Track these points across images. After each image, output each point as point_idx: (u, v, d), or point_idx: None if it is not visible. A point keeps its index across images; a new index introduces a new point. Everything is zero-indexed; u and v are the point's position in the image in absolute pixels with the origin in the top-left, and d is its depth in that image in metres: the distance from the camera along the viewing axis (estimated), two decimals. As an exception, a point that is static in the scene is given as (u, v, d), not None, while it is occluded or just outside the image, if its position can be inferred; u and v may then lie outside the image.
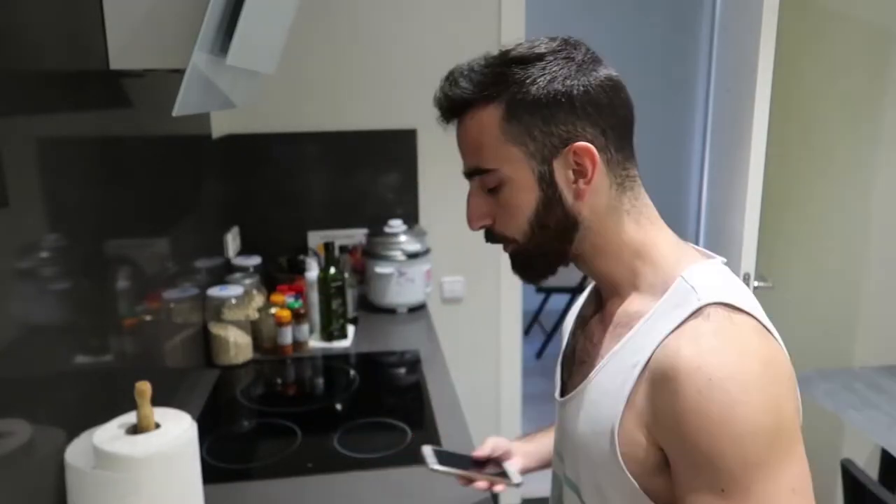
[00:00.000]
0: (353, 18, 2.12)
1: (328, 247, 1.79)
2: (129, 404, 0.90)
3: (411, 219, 2.22)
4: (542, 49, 0.74)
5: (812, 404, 1.84)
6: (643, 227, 0.76)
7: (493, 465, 1.02)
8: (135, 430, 0.89)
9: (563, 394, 0.84)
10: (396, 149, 2.22)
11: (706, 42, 3.81)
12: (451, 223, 2.25)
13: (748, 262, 1.93)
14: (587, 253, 0.78)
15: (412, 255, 2.02)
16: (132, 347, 1.19)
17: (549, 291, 3.82)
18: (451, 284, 2.31)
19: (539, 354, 3.85)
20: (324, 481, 1.19)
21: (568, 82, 0.72)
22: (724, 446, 0.62)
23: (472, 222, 0.80)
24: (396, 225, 2.05)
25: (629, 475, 0.70)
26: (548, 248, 0.77)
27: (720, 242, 2.21)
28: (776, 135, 1.99)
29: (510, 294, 2.35)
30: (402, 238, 2.03)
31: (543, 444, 1.07)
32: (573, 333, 0.89)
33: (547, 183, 0.74)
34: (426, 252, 2.06)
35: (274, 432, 1.38)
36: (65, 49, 0.97)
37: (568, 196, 0.74)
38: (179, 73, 0.98)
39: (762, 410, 0.63)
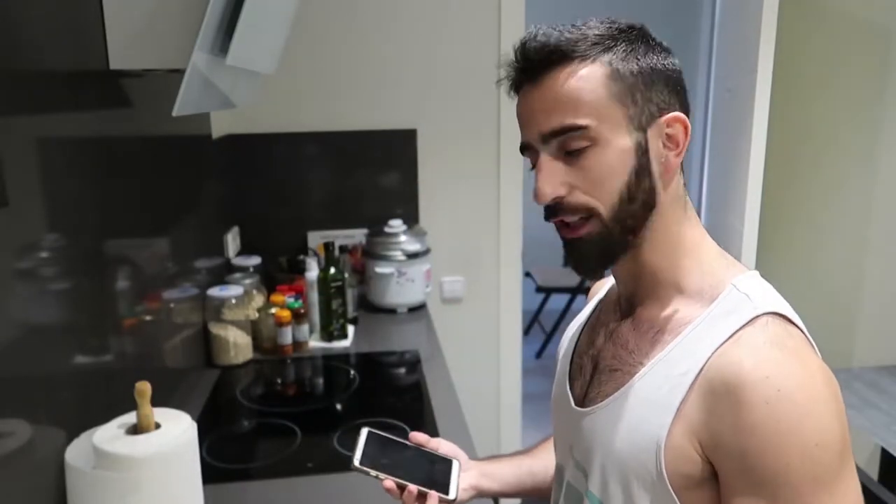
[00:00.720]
0: (354, 18, 2.11)
1: (328, 247, 1.79)
2: (129, 404, 0.90)
3: (411, 219, 2.22)
4: (627, 25, 0.73)
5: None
6: (696, 227, 0.76)
7: (439, 469, 0.87)
8: (135, 430, 0.89)
9: (583, 405, 0.80)
10: (396, 149, 2.22)
11: (706, 42, 3.80)
12: (451, 223, 2.25)
13: (748, 262, 1.93)
14: (647, 240, 0.73)
15: (412, 255, 2.02)
16: (132, 347, 1.19)
17: (548, 291, 3.82)
18: (451, 284, 2.31)
19: (539, 354, 3.85)
20: (324, 481, 1.19)
21: (663, 56, 0.72)
22: (791, 459, 0.60)
23: (544, 193, 0.70)
24: (396, 225, 2.05)
25: (672, 491, 0.67)
26: (631, 224, 0.71)
27: (720, 242, 2.21)
28: (776, 135, 1.99)
29: (510, 294, 2.35)
30: (402, 238, 2.03)
31: (506, 468, 0.98)
32: (588, 341, 0.85)
33: (643, 151, 0.70)
34: (426, 252, 2.06)
35: (274, 432, 1.38)
36: (65, 49, 0.97)
37: (656, 170, 0.71)
38: (179, 73, 0.98)
39: (829, 423, 0.61)
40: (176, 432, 0.89)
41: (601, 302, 0.89)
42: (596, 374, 0.80)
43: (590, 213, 0.71)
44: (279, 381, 1.66)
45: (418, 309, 2.08)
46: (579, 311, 0.94)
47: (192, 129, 1.69)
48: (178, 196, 1.54)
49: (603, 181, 0.70)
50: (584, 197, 0.70)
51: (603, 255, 0.73)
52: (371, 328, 1.95)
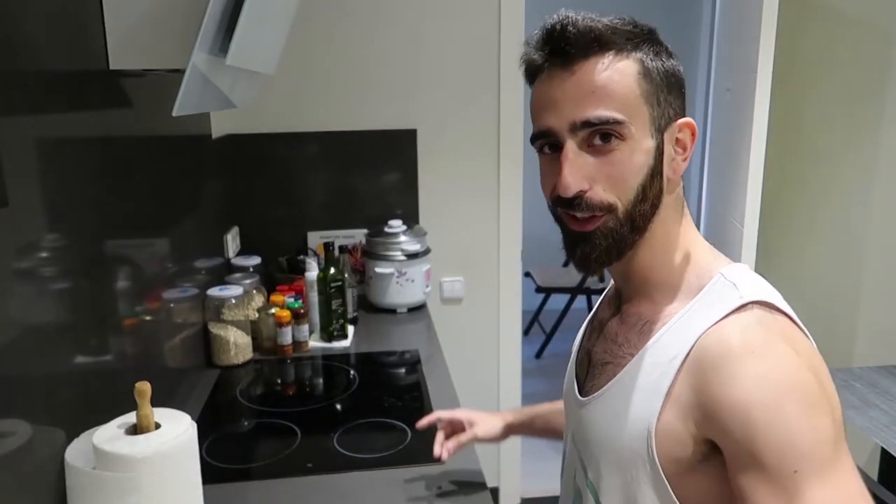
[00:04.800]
0: (354, 18, 2.11)
1: (328, 247, 1.79)
2: (129, 404, 0.89)
3: (411, 219, 2.22)
4: (644, 26, 0.73)
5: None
6: (690, 228, 0.77)
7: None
8: (135, 430, 0.89)
9: (581, 392, 0.82)
10: (396, 149, 2.22)
11: (706, 42, 3.81)
12: (451, 223, 2.25)
13: (748, 262, 1.93)
14: (644, 240, 0.73)
15: (412, 255, 2.02)
16: (132, 347, 1.19)
17: (548, 291, 3.81)
18: (451, 284, 2.31)
19: (539, 354, 3.85)
20: (323, 481, 1.19)
21: (675, 63, 0.73)
22: (791, 421, 0.61)
23: (568, 186, 0.69)
24: (396, 225, 2.05)
25: (665, 478, 0.68)
26: (640, 223, 0.71)
27: (720, 242, 2.21)
28: (776, 135, 2.00)
29: (510, 294, 2.35)
30: (402, 238, 2.03)
31: (527, 414, 1.12)
32: (587, 336, 0.88)
33: (659, 153, 0.71)
34: (426, 252, 2.06)
35: (274, 432, 1.38)
36: (65, 49, 0.97)
37: (666, 172, 0.72)
38: (179, 73, 0.98)
39: (819, 386, 0.63)
40: (176, 432, 0.89)
41: (602, 298, 0.90)
42: (591, 367, 0.82)
43: (607, 210, 0.70)
44: (279, 381, 1.66)
45: (418, 309, 2.08)
46: (579, 311, 0.95)
47: (192, 129, 1.69)
48: (178, 196, 1.54)
49: (626, 178, 0.69)
50: (604, 194, 0.69)
51: (610, 251, 0.72)
52: (371, 328, 1.95)
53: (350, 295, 1.88)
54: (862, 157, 2.36)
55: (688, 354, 0.67)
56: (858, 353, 2.41)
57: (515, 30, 2.17)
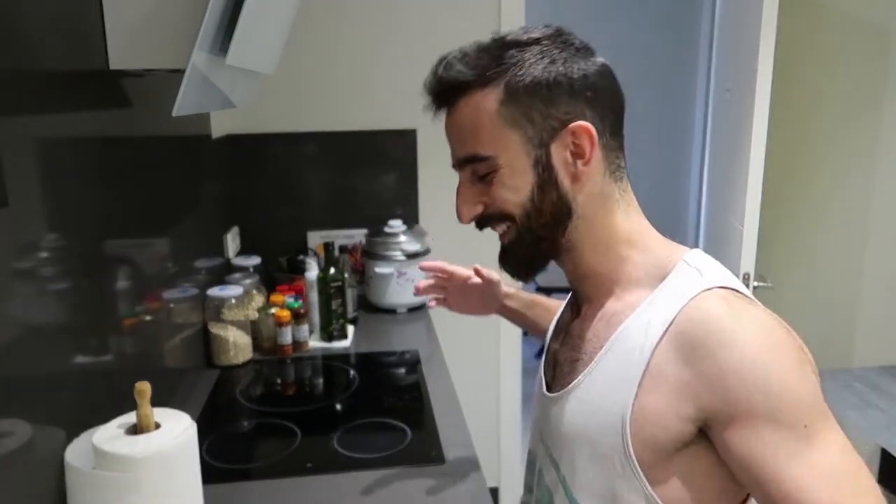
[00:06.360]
0: (353, 18, 2.12)
1: (328, 247, 1.79)
2: (129, 404, 0.90)
3: (411, 219, 2.22)
4: (538, 34, 0.74)
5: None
6: (632, 217, 0.77)
7: None
8: (135, 430, 0.89)
9: (551, 392, 0.82)
10: (396, 149, 2.22)
11: (706, 42, 3.81)
12: (451, 223, 2.24)
13: (748, 262, 1.93)
14: (578, 243, 0.77)
15: (412, 255, 2.02)
16: (132, 347, 1.19)
17: (548, 291, 3.81)
18: (451, 284, 2.30)
19: (539, 354, 3.83)
20: (323, 481, 1.19)
21: (567, 65, 0.72)
22: (791, 381, 0.63)
23: (462, 215, 0.79)
24: (396, 225, 2.05)
25: (638, 465, 0.69)
26: (542, 234, 0.76)
27: (720, 242, 2.21)
28: (776, 135, 1.99)
29: (510, 294, 2.35)
30: (402, 238, 2.03)
31: (525, 301, 1.16)
32: (553, 339, 0.89)
33: (543, 166, 0.73)
34: (426, 252, 2.06)
35: (274, 432, 1.38)
36: (65, 49, 0.97)
37: (564, 180, 0.74)
38: (179, 73, 0.98)
39: (801, 349, 0.66)
40: (176, 432, 0.89)
41: (566, 304, 0.91)
42: (557, 367, 0.83)
43: (509, 222, 0.76)
44: (279, 381, 1.66)
45: (418, 309, 2.08)
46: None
47: (192, 129, 1.69)
48: (178, 196, 1.54)
49: (510, 199, 0.75)
50: (499, 211, 0.76)
51: (523, 263, 0.80)
52: (371, 328, 1.95)
53: (350, 295, 1.88)
54: (862, 157, 2.36)
55: (662, 336, 0.68)
56: (858, 353, 2.41)
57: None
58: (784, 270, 2.31)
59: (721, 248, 2.17)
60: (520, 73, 0.72)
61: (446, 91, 0.75)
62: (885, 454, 1.85)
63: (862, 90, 2.32)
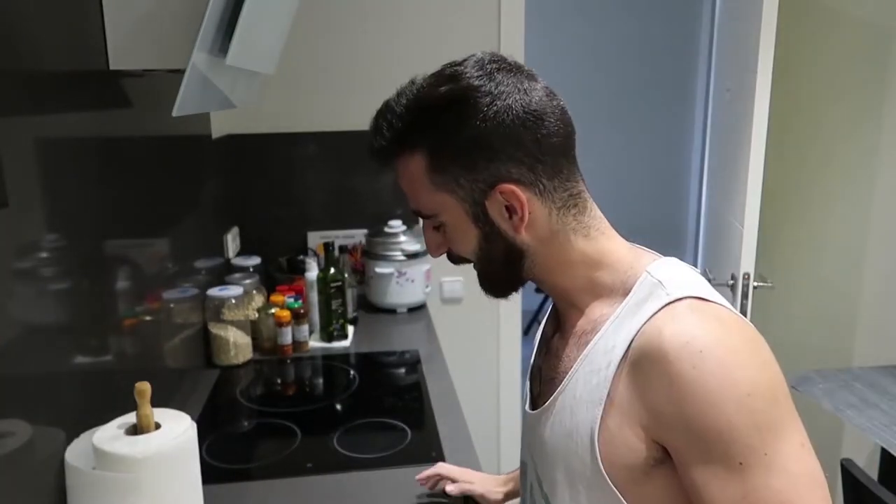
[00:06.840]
0: (353, 18, 2.12)
1: (328, 247, 1.80)
2: (129, 404, 0.90)
3: (411, 219, 2.22)
4: (462, 84, 0.71)
5: (811, 404, 1.84)
6: (593, 239, 0.76)
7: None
8: (135, 430, 0.89)
9: (533, 407, 0.83)
10: (396, 149, 2.21)
11: (706, 42, 3.81)
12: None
13: (748, 262, 1.93)
14: (541, 273, 0.78)
15: (412, 255, 2.02)
16: (132, 347, 1.19)
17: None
18: (451, 284, 2.31)
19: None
20: (323, 481, 1.19)
21: (489, 121, 0.69)
22: (730, 415, 0.61)
23: (431, 253, 0.83)
24: (396, 225, 2.05)
25: (613, 487, 0.68)
26: (499, 276, 0.80)
27: (720, 242, 2.21)
28: (776, 134, 1.99)
29: (510, 294, 2.35)
30: (402, 238, 2.03)
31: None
32: (537, 352, 0.89)
33: (483, 221, 0.74)
34: (426, 252, 2.06)
35: (274, 432, 1.38)
36: (65, 49, 0.97)
37: (508, 231, 0.74)
38: (179, 73, 0.98)
39: (758, 370, 0.63)
40: (176, 432, 0.89)
41: (549, 313, 0.91)
42: (541, 384, 0.83)
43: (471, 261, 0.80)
44: (279, 381, 1.66)
45: (418, 309, 2.08)
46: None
47: (192, 129, 1.69)
48: (178, 196, 1.54)
49: (461, 248, 0.79)
50: (457, 252, 0.80)
51: (497, 288, 0.83)
52: (371, 328, 1.95)
53: (350, 295, 1.88)
54: (863, 156, 2.36)
55: (623, 357, 0.68)
56: (858, 353, 2.41)
57: (515, 30, 2.17)
58: (784, 270, 2.31)
59: (721, 248, 2.17)
60: (440, 139, 0.72)
61: (379, 157, 0.77)
62: (885, 454, 1.85)
63: (862, 90, 2.32)
